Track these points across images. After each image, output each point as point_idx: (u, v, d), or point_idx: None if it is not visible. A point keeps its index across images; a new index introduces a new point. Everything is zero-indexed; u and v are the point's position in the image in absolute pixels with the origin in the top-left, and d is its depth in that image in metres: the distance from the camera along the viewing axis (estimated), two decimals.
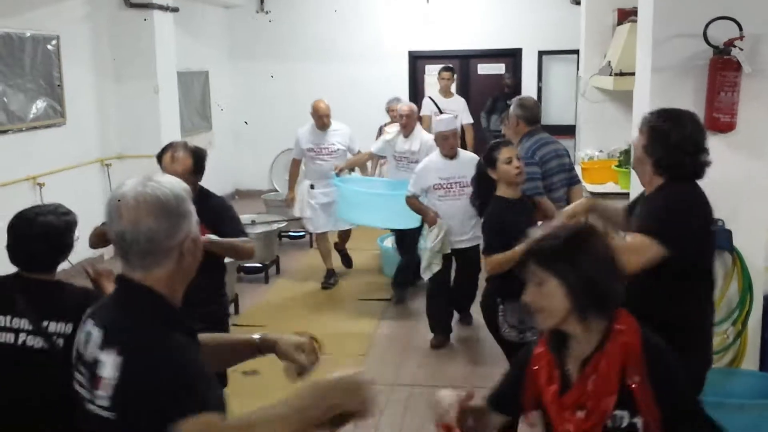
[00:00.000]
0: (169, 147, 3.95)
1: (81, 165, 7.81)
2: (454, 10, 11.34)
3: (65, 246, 2.88)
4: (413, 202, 5.75)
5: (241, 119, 11.70)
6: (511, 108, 5.09)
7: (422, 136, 6.71)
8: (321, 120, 7.09)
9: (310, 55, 11.47)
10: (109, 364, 1.66)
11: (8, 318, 2.74)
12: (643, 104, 4.36)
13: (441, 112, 7.96)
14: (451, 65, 9.36)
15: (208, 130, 11.01)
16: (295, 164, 7.50)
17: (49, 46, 7.43)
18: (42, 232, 2.80)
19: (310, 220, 7.36)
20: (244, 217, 8.14)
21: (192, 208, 1.79)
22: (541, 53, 11.37)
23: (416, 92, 11.61)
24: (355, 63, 11.37)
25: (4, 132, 6.82)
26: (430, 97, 9.05)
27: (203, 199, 3.80)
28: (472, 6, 11.32)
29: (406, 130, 6.76)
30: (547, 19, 10.99)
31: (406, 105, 7.03)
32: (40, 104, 7.31)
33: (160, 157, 3.92)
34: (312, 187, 7.23)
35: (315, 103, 7.14)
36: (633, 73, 4.99)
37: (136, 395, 1.62)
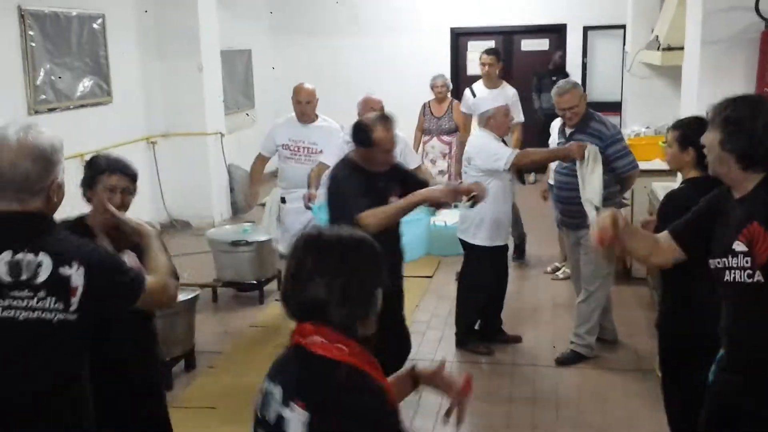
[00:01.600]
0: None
1: (127, 143, 7.92)
2: None
3: None
4: None
5: (284, 97, 11.69)
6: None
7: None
8: (301, 107, 5.55)
9: (351, 31, 11.43)
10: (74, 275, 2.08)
11: None
12: (693, 78, 4.29)
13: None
14: (495, 47, 8.13)
15: (251, 108, 11.08)
16: (260, 161, 5.99)
17: (95, 25, 7.53)
18: None
19: (279, 243, 5.86)
20: None
21: (62, 158, 2.16)
22: (586, 29, 11.18)
23: (457, 71, 11.52)
24: (396, 38, 11.29)
25: (53, 110, 6.95)
26: (470, 89, 7.25)
27: None
28: None
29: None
30: None
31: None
32: (86, 83, 7.42)
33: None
34: (284, 200, 5.72)
35: (297, 85, 5.72)
36: (681, 48, 4.91)
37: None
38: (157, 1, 8.41)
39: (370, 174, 3.73)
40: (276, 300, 6.37)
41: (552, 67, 10.56)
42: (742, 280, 2.35)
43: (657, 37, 6.62)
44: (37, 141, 2.09)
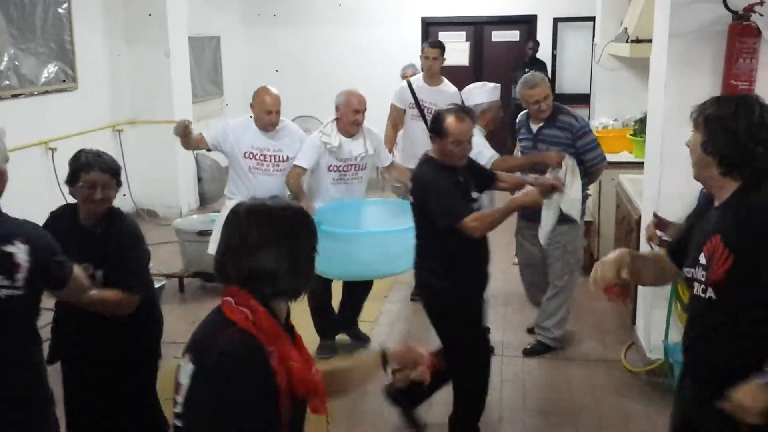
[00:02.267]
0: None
1: (93, 130, 7.80)
2: None
3: None
4: None
5: (253, 86, 11.59)
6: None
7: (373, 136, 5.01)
8: (270, 118, 4.87)
9: (321, 20, 11.35)
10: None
11: None
12: (660, 70, 4.31)
13: (419, 106, 6.03)
14: (439, 40, 6.87)
15: (219, 96, 10.96)
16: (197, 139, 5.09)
17: (60, 9, 7.38)
18: None
19: None
20: None
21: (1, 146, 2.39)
22: (556, 20, 11.22)
23: None
24: (368, 28, 11.24)
25: (17, 96, 6.80)
26: (409, 83, 6.22)
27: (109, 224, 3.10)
28: None
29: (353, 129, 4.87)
30: None
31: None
32: (51, 68, 7.28)
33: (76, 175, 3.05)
34: None
35: (261, 91, 4.97)
36: (650, 40, 4.92)
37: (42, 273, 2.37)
38: None
39: (452, 170, 3.66)
40: None
41: (528, 59, 10.55)
42: (698, 294, 2.30)
43: (626, 29, 6.66)
44: None
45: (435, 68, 6.13)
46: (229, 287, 1.83)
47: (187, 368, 1.76)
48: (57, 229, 2.75)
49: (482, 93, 5.19)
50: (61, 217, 3.12)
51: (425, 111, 5.99)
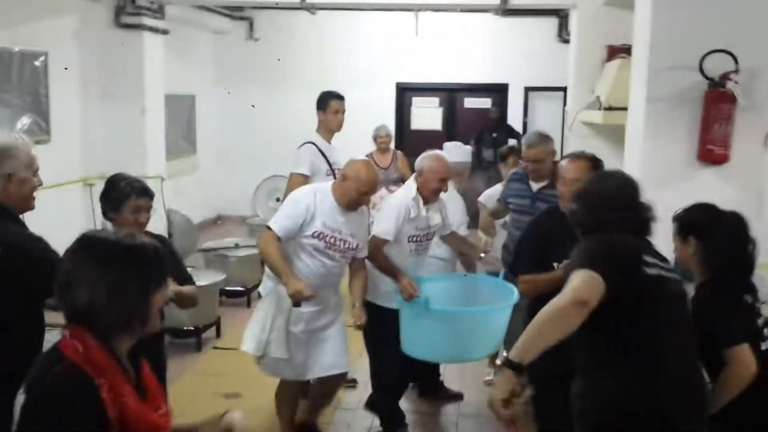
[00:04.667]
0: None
1: (65, 183, 7.69)
2: (443, 43, 11.41)
3: None
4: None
5: (226, 144, 11.67)
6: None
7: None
8: (361, 199, 4.04)
9: (297, 83, 11.46)
10: None
11: None
12: (637, 135, 4.39)
13: (328, 162, 5.34)
14: (341, 95, 6.04)
15: (192, 154, 10.95)
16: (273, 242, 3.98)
17: (36, 63, 7.36)
18: None
19: (287, 363, 4.09)
20: (228, 241, 8.17)
21: (16, 154, 2.85)
22: (527, 89, 11.47)
23: (402, 124, 11.65)
24: (343, 91, 11.30)
25: None
26: (312, 143, 5.41)
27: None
28: (459, 41, 11.40)
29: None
30: (533, 56, 11.10)
31: None
32: (25, 120, 7.22)
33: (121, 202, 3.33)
34: (298, 304, 3.84)
35: (363, 165, 4.07)
36: (623, 108, 5.04)
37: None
38: (103, 42, 8.28)
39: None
40: (215, 347, 6.21)
41: (493, 123, 10.69)
42: None
43: (598, 97, 6.81)
44: None
45: (339, 123, 5.76)
46: (70, 324, 1.87)
47: (20, 399, 1.79)
48: None
49: (458, 153, 5.37)
50: None
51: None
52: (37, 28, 7.39)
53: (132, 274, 1.86)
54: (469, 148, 5.44)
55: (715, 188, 4.07)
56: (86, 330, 1.82)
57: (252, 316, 4.13)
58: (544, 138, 4.62)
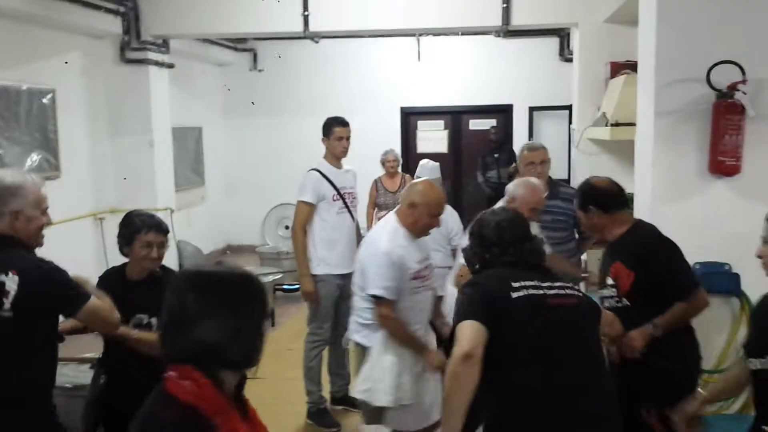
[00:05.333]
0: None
1: (75, 218, 7.73)
2: (445, 67, 11.48)
3: None
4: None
5: (234, 175, 11.71)
6: None
7: None
8: (436, 220, 3.88)
9: (302, 111, 11.52)
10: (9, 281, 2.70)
11: None
12: (647, 149, 4.38)
13: (335, 187, 5.41)
14: (346, 120, 5.88)
15: (200, 185, 10.99)
16: None
17: (44, 100, 7.42)
18: None
19: (415, 409, 3.74)
20: None
21: (23, 193, 2.93)
22: (531, 109, 11.51)
23: (408, 148, 11.67)
24: (348, 116, 11.37)
25: None
26: (316, 170, 5.48)
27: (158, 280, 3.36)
28: (462, 63, 11.47)
29: None
30: (536, 76, 11.16)
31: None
32: (35, 157, 7.27)
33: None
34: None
35: (424, 188, 3.92)
36: (630, 123, 5.04)
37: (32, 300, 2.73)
38: (109, 77, 8.36)
39: None
40: None
41: (493, 144, 10.71)
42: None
43: (604, 114, 6.81)
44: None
45: (346, 150, 5.70)
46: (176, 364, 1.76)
47: None
48: (106, 289, 3.14)
49: (431, 169, 5.90)
50: (107, 279, 3.47)
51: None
52: (44, 66, 7.47)
53: (256, 308, 1.81)
54: (437, 164, 6.09)
55: (728, 200, 4.05)
56: (194, 369, 1.72)
57: (363, 369, 3.77)
58: (542, 144, 4.96)
